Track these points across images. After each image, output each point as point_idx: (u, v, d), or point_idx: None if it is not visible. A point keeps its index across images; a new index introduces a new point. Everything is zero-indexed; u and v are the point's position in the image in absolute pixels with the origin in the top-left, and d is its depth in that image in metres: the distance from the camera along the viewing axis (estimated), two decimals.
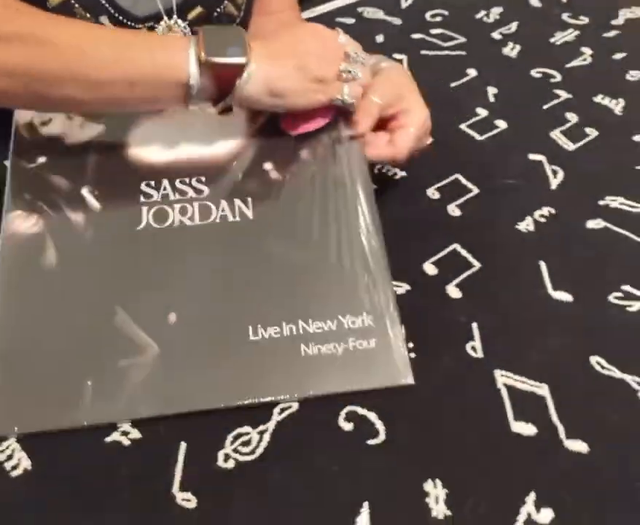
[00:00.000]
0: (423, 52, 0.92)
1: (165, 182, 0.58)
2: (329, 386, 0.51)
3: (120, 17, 0.66)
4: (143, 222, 0.56)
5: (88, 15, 0.64)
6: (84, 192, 0.57)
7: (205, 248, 0.55)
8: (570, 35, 0.97)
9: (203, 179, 0.59)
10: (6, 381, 0.49)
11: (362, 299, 0.54)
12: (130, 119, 0.61)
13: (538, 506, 0.44)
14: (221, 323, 0.52)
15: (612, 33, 0.97)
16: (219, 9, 0.72)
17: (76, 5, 0.64)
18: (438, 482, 0.45)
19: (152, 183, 0.58)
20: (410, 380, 0.51)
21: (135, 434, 0.48)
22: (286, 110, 0.60)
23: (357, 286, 0.54)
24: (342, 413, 0.49)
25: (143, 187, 0.58)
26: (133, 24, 0.67)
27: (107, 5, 0.65)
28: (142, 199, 0.57)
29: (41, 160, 0.59)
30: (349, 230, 0.57)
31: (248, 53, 0.55)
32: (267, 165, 0.60)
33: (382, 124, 0.64)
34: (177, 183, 0.58)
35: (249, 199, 0.58)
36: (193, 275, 0.54)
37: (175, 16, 0.69)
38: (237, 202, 0.58)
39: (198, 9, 0.70)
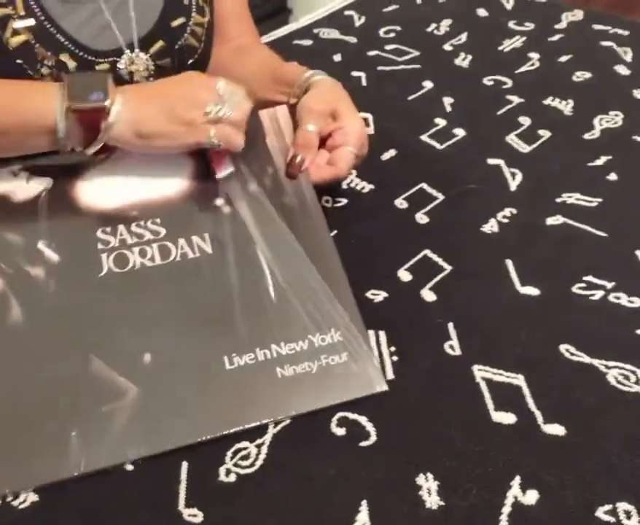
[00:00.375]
0: (380, 68, 0.96)
1: (122, 227, 0.59)
2: (308, 404, 0.52)
3: (81, 54, 0.68)
4: (104, 269, 0.57)
5: (49, 53, 0.66)
6: (41, 245, 0.57)
7: (170, 286, 0.56)
8: (517, 41, 1.02)
9: (158, 220, 0.60)
10: None
11: (329, 316, 0.56)
12: (77, 170, 0.62)
13: (523, 488, 0.47)
14: (196, 357, 0.53)
15: (557, 37, 1.03)
16: (180, 42, 0.74)
17: (37, 45, 0.65)
18: (429, 475, 0.48)
19: (108, 229, 0.59)
20: (383, 387, 0.53)
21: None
22: (158, 151, 0.61)
23: (323, 304, 0.57)
24: (334, 420, 0.52)
25: (99, 234, 0.59)
26: (94, 59, 0.69)
27: (67, 43, 0.67)
28: (100, 246, 0.58)
29: None
30: (307, 251, 0.59)
31: (112, 97, 0.57)
32: (219, 201, 0.62)
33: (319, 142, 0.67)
34: (133, 227, 0.59)
35: (206, 235, 0.59)
36: (162, 314, 0.55)
37: (137, 49, 0.71)
38: (195, 238, 0.59)
39: (160, 43, 0.73)
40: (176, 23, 0.74)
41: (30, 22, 0.65)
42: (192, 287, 0.57)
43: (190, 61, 0.76)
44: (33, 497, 0.48)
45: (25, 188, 0.61)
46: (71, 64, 0.68)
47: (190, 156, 0.64)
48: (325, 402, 0.53)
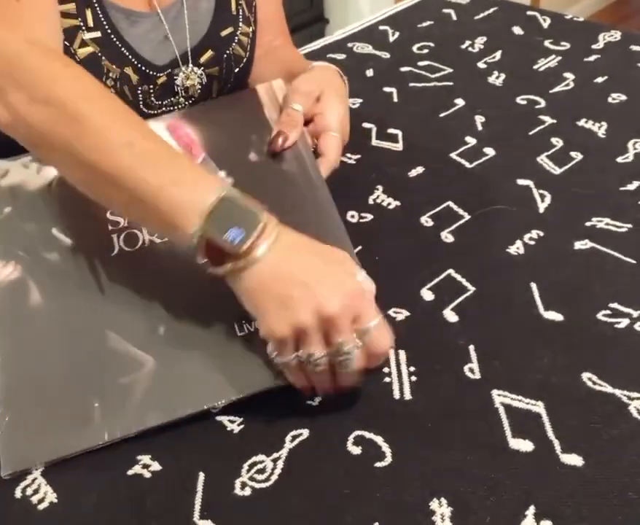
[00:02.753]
0: (412, 84, 0.96)
1: None
2: None
3: (143, 68, 0.70)
4: (116, 249, 0.60)
5: (114, 66, 0.68)
6: (55, 232, 0.60)
7: (179, 260, 0.58)
8: (552, 61, 1.01)
9: None
10: (16, 418, 0.52)
11: None
12: None
13: (538, 519, 0.46)
14: (208, 326, 0.55)
15: (593, 58, 1.01)
16: (228, 51, 0.76)
17: (103, 57, 0.67)
18: (443, 500, 0.48)
19: None
20: None
21: (156, 466, 0.50)
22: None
23: None
24: (351, 438, 0.52)
25: (108, 215, 0.61)
26: (154, 73, 0.71)
27: (131, 57, 0.69)
28: (110, 227, 0.61)
29: (7, 210, 0.62)
30: (308, 221, 0.60)
31: (248, 250, 0.49)
32: (222, 173, 0.63)
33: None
34: None
35: None
36: (172, 288, 0.57)
37: (190, 63, 0.73)
38: None
39: (209, 52, 0.75)
40: (224, 33, 0.76)
41: (97, 34, 0.67)
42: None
43: (237, 70, 0.78)
44: (51, 496, 0.49)
45: (36, 178, 0.64)
46: (134, 77, 0.70)
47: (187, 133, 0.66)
48: None
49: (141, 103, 0.72)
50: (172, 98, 0.75)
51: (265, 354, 0.52)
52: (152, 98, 0.73)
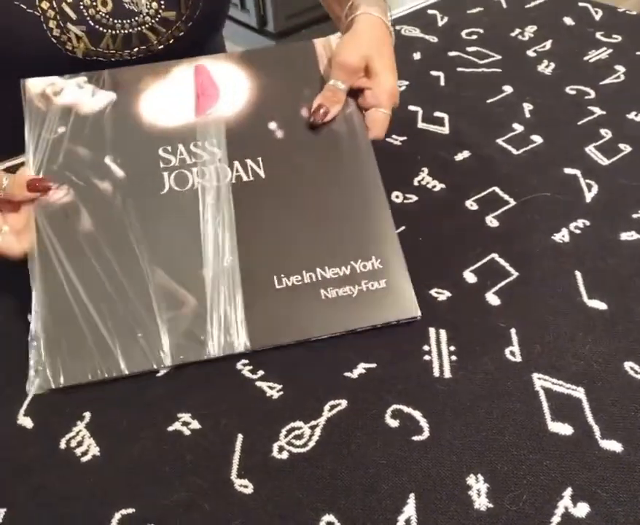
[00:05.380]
0: (460, 69, 0.95)
1: (181, 147, 0.62)
2: (347, 324, 0.57)
3: None
4: (166, 187, 0.60)
5: None
6: (108, 160, 0.61)
7: (226, 206, 0.60)
8: (603, 53, 0.99)
9: (215, 141, 0.62)
10: (61, 337, 0.54)
11: (370, 245, 0.60)
12: (139, 86, 0.64)
13: (574, 500, 0.46)
14: (248, 276, 0.57)
15: None
16: None
17: None
18: (480, 476, 0.48)
19: (169, 148, 0.62)
20: (417, 313, 0.58)
21: (195, 424, 0.51)
22: None
23: (365, 234, 0.60)
24: (389, 411, 0.52)
25: (160, 152, 0.61)
26: None
27: None
28: (162, 165, 0.61)
29: (61, 130, 0.61)
30: (353, 182, 0.62)
31: None
32: (272, 125, 0.64)
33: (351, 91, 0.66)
34: (191, 147, 0.62)
35: (259, 159, 0.62)
36: (218, 234, 0.59)
37: None
38: (249, 162, 0.62)
39: None
40: None
41: None
42: (245, 209, 0.60)
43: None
44: (94, 450, 0.50)
45: (90, 101, 0.63)
46: None
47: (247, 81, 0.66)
48: (363, 324, 0.57)
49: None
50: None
51: (296, 312, 0.56)
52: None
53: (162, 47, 0.78)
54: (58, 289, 0.56)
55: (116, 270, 0.57)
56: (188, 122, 0.63)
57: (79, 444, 0.51)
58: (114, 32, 0.74)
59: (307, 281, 0.58)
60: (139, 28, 0.75)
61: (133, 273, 0.57)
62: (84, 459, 0.50)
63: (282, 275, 0.58)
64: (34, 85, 0.63)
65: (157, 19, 0.75)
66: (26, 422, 0.52)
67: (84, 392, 0.54)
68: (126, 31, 0.75)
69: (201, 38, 0.83)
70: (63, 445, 0.51)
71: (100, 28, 0.73)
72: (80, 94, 0.63)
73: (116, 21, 0.74)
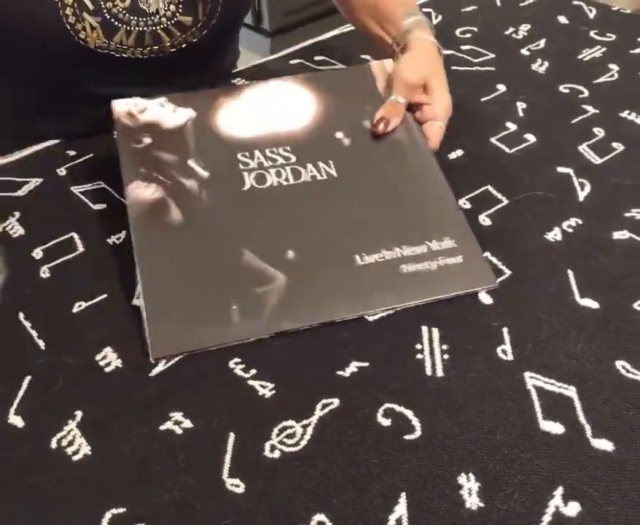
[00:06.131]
0: (454, 67, 0.95)
1: (257, 153, 0.68)
2: (428, 294, 0.60)
3: None
4: (247, 185, 0.66)
5: None
6: (191, 163, 0.67)
7: (304, 200, 0.65)
8: (597, 51, 0.99)
9: (289, 147, 0.69)
10: (162, 311, 0.58)
11: (442, 226, 0.65)
12: (217, 102, 0.72)
13: (566, 500, 0.46)
14: (332, 255, 0.62)
15: (639, 50, 1.00)
16: None
17: None
18: (471, 476, 0.48)
19: (247, 154, 0.68)
20: (493, 282, 0.62)
21: (187, 424, 0.51)
22: None
23: (436, 217, 0.66)
24: (381, 410, 0.52)
25: (239, 157, 0.68)
26: None
27: None
28: (241, 166, 0.67)
29: (147, 140, 0.68)
30: (418, 175, 0.69)
31: None
32: (339, 134, 0.71)
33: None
34: (267, 152, 0.68)
35: (331, 161, 0.68)
36: (299, 221, 0.64)
37: None
38: (321, 164, 0.68)
39: None
40: None
41: None
42: (322, 201, 0.65)
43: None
44: (86, 449, 0.50)
45: (172, 117, 0.70)
46: None
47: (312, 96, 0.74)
48: (443, 293, 0.61)
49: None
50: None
51: (377, 285, 0.60)
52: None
53: (174, 49, 0.78)
54: (153, 272, 0.60)
55: (205, 254, 0.61)
56: (262, 133, 0.70)
57: (70, 443, 0.50)
58: (128, 28, 0.75)
59: (388, 257, 0.62)
60: (154, 28, 0.76)
61: (222, 255, 0.61)
62: (76, 458, 0.49)
63: (363, 254, 0.62)
64: (120, 104, 0.70)
65: (173, 21, 0.76)
66: (17, 421, 0.52)
67: (76, 390, 0.54)
68: (140, 29, 0.75)
69: (213, 47, 0.84)
70: (54, 444, 0.50)
71: (116, 22, 0.74)
72: (162, 111, 0.70)
73: (132, 17, 0.74)
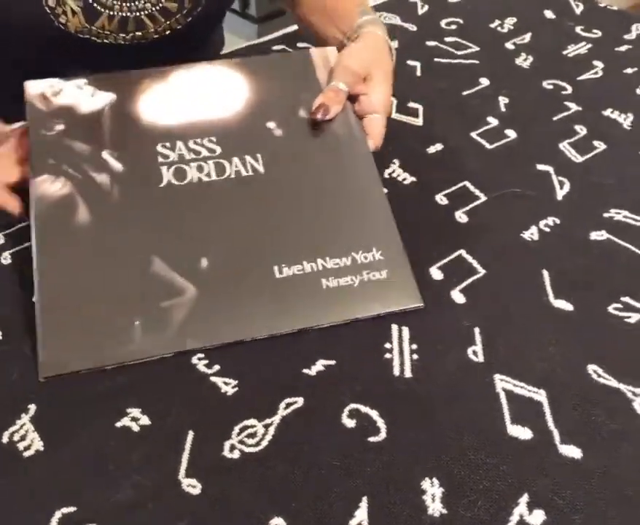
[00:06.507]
0: (437, 59, 0.94)
1: (180, 144, 0.62)
2: (348, 313, 0.57)
3: None
4: (164, 180, 0.60)
5: None
6: (105, 155, 0.61)
7: (224, 201, 0.60)
8: (583, 48, 0.98)
9: (214, 138, 0.63)
10: (57, 325, 0.53)
11: (371, 237, 0.60)
12: (138, 86, 0.65)
13: (530, 508, 0.45)
14: (248, 265, 0.57)
15: (624, 48, 0.99)
16: None
17: None
18: (435, 481, 0.46)
19: (167, 144, 0.62)
20: (419, 303, 0.58)
21: (145, 420, 0.49)
22: None
23: (366, 225, 0.61)
24: (346, 410, 0.51)
25: (159, 148, 0.62)
26: None
27: None
28: (160, 159, 0.61)
29: (59, 127, 0.62)
30: (352, 177, 0.63)
31: None
32: (271, 124, 0.65)
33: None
34: (190, 144, 0.62)
35: (259, 155, 0.63)
36: (217, 225, 0.59)
37: None
38: (248, 158, 0.62)
39: None
40: None
41: None
42: (244, 203, 0.60)
43: None
44: (38, 444, 0.48)
45: (89, 101, 0.64)
46: None
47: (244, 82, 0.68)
48: (365, 313, 0.57)
49: None
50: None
51: (296, 301, 0.56)
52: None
53: (157, 36, 0.76)
54: (53, 277, 0.55)
55: (112, 259, 0.56)
56: (187, 121, 0.64)
57: (22, 438, 0.49)
58: (111, 13, 0.72)
59: (308, 270, 0.57)
60: (138, 13, 0.73)
61: (130, 262, 0.56)
62: (27, 453, 0.48)
63: (283, 265, 0.57)
64: (34, 87, 0.64)
65: (157, 7, 0.74)
66: None
67: (31, 384, 0.52)
68: (124, 14, 0.73)
69: (197, 35, 0.82)
70: (5, 439, 0.49)
71: (98, 7, 0.71)
72: (79, 94, 0.64)
73: (115, 2, 0.72)
